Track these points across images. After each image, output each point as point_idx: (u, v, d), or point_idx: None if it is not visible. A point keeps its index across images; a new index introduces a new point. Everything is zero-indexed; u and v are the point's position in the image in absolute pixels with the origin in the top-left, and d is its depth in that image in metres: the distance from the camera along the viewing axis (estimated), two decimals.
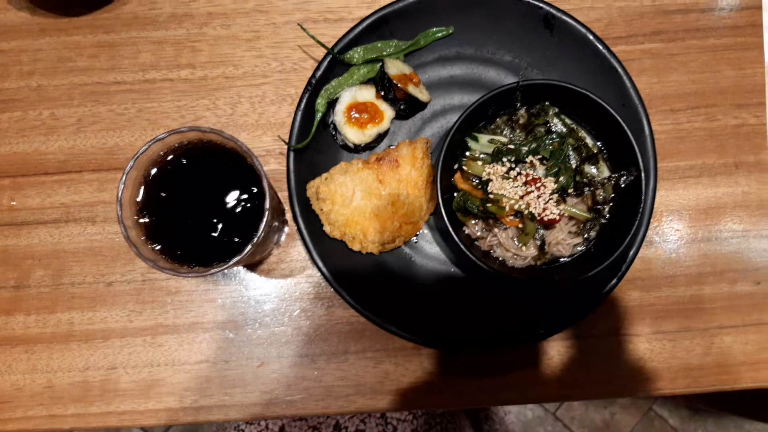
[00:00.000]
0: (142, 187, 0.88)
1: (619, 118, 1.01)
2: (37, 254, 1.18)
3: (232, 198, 0.90)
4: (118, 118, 1.21)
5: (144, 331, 1.16)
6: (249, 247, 0.82)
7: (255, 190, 0.87)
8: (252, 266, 1.17)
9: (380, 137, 1.15)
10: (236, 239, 0.89)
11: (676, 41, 1.21)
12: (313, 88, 1.13)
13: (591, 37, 1.12)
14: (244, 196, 0.89)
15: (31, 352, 1.16)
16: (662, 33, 1.21)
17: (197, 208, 0.90)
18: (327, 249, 1.10)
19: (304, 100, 1.12)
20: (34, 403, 1.15)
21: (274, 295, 1.17)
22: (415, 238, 1.14)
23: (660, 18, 1.22)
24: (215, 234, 0.89)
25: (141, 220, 0.87)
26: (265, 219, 0.82)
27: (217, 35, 1.23)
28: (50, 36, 1.23)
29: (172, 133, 0.83)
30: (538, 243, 1.07)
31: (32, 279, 1.17)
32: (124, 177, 0.83)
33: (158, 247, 0.87)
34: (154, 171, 0.88)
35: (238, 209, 0.90)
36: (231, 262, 0.82)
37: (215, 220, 0.90)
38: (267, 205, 0.83)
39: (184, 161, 0.88)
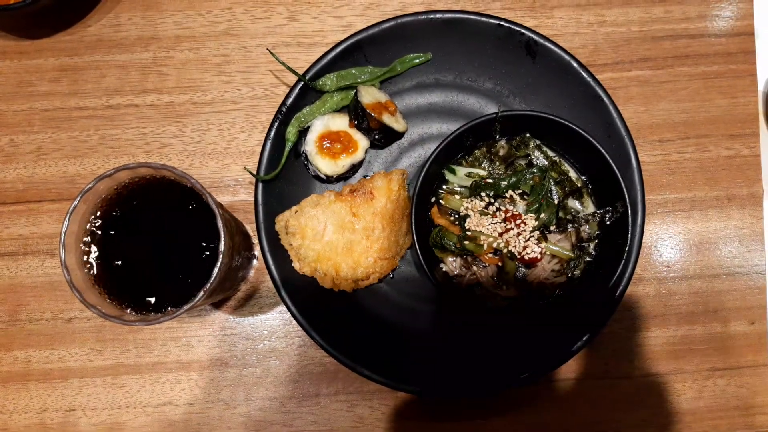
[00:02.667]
0: (90, 226, 0.82)
1: (604, 152, 0.96)
2: None
3: (187, 237, 0.84)
4: (80, 145, 1.15)
5: (104, 370, 1.10)
6: (201, 293, 0.76)
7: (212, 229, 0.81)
8: (219, 303, 1.10)
9: (354, 168, 1.10)
10: (192, 281, 0.83)
11: (665, 68, 1.16)
12: (284, 116, 1.08)
13: (575, 64, 1.07)
14: (201, 235, 0.82)
15: None
16: (650, 60, 1.16)
17: (151, 249, 0.85)
18: (297, 286, 1.04)
19: (274, 129, 1.07)
20: None
21: (242, 333, 1.10)
22: (391, 274, 1.08)
23: (648, 44, 1.17)
24: (170, 276, 0.83)
25: (89, 261, 0.81)
26: (218, 264, 0.76)
27: (185, 59, 1.17)
28: (11, 59, 1.18)
29: (120, 169, 0.77)
30: (520, 282, 1.01)
31: None
32: (68, 216, 0.77)
33: (107, 289, 0.81)
34: (103, 208, 0.82)
35: (195, 249, 0.84)
36: (182, 310, 0.76)
37: (170, 261, 0.84)
38: (221, 247, 0.77)
39: (137, 199, 0.82)
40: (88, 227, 0.82)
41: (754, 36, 1.16)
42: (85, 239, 0.82)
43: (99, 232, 0.82)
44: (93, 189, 0.78)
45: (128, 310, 0.80)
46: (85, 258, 0.81)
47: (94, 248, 0.82)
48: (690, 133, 1.14)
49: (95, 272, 0.81)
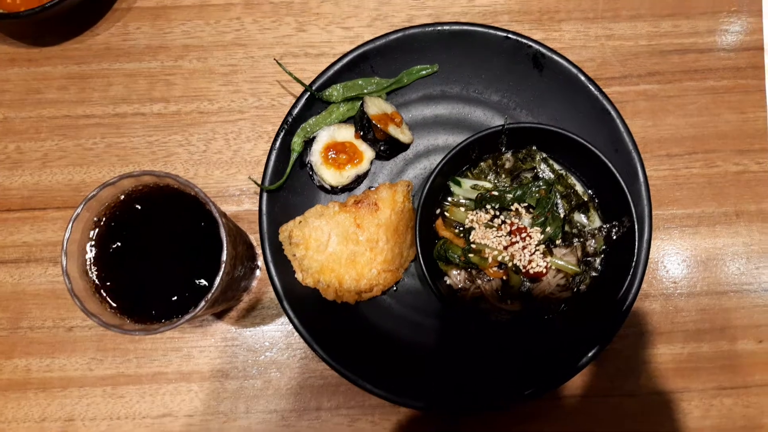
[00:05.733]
0: (94, 234, 0.81)
1: (611, 166, 0.95)
2: None
3: (190, 246, 0.83)
4: (86, 153, 1.15)
5: (104, 380, 1.09)
6: (202, 303, 0.75)
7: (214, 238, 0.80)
8: (220, 313, 1.10)
9: (359, 179, 1.09)
10: (194, 290, 0.82)
11: (673, 83, 1.16)
12: (290, 126, 1.07)
13: (582, 77, 1.06)
14: (204, 244, 0.82)
15: None
16: (658, 74, 1.16)
17: (153, 258, 0.84)
18: (300, 297, 1.03)
19: (279, 139, 1.07)
20: None
21: (243, 344, 1.09)
22: (394, 286, 1.07)
23: (656, 58, 1.16)
24: (172, 285, 0.82)
25: (91, 270, 0.81)
26: (220, 274, 0.76)
27: (193, 68, 1.18)
28: (19, 66, 1.18)
29: (124, 177, 0.77)
30: (524, 296, 1.00)
31: None
32: (71, 223, 0.77)
33: (109, 298, 0.80)
34: (106, 217, 0.82)
35: (198, 258, 0.83)
36: (182, 320, 0.75)
37: (172, 270, 0.83)
38: (224, 257, 0.76)
39: (140, 207, 0.82)
40: (91, 235, 0.81)
41: (763, 51, 1.16)
42: (87, 247, 0.81)
43: (102, 240, 0.81)
44: (97, 197, 0.78)
45: (129, 320, 0.79)
46: (87, 266, 0.81)
47: (96, 256, 0.81)
48: (698, 148, 1.13)
49: (97, 280, 0.81)
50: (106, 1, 1.20)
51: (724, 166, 1.13)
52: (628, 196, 0.94)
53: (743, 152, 1.13)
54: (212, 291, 0.76)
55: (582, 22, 1.18)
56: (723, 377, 1.08)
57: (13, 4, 1.09)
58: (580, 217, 1.01)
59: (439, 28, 1.09)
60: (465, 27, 1.09)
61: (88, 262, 0.81)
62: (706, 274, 1.11)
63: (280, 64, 1.10)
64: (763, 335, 1.09)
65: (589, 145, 0.96)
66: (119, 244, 0.82)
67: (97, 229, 0.82)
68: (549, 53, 1.07)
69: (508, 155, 1.03)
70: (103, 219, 0.82)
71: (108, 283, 0.81)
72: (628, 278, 0.94)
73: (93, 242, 0.81)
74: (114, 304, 0.80)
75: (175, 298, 0.82)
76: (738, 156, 1.13)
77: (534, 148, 1.02)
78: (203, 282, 0.81)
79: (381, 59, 1.09)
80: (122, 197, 0.82)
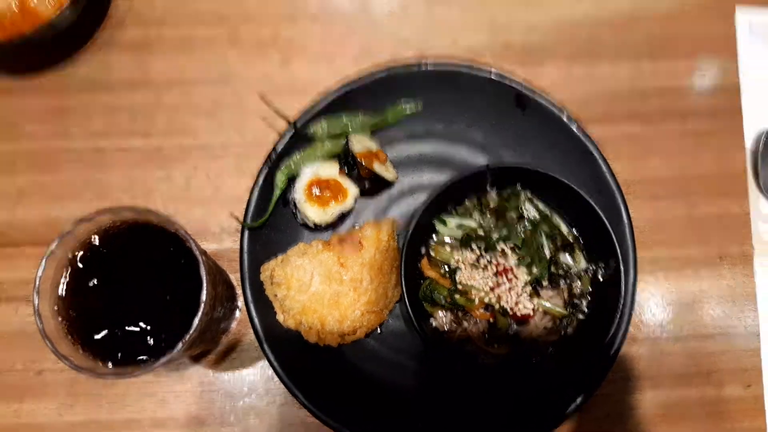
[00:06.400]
0: (68, 272, 0.78)
1: (595, 207, 0.95)
2: None
3: (169, 285, 0.81)
4: (63, 188, 1.12)
5: (74, 427, 1.04)
6: (179, 345, 0.72)
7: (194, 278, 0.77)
8: (198, 356, 1.06)
9: (343, 216, 1.08)
10: (171, 332, 0.79)
11: (654, 124, 1.17)
12: (273, 162, 1.06)
13: (564, 118, 1.07)
14: (183, 284, 0.79)
15: None
16: (640, 115, 1.17)
17: (129, 297, 0.81)
18: (281, 340, 1.00)
19: (263, 176, 1.05)
20: None
21: (221, 389, 1.05)
22: (378, 328, 1.04)
23: (637, 100, 1.17)
24: (149, 325, 0.79)
25: (64, 310, 0.77)
26: (198, 315, 0.73)
27: (176, 103, 1.16)
28: None
29: (102, 212, 0.75)
30: (512, 339, 0.98)
31: None
32: (44, 261, 0.74)
33: (81, 340, 0.77)
34: (82, 254, 0.79)
35: (176, 298, 0.80)
36: (158, 363, 0.72)
37: (149, 310, 0.80)
38: (203, 298, 0.74)
39: (118, 244, 0.79)
40: (65, 273, 0.78)
41: (739, 93, 1.18)
42: (61, 286, 0.78)
43: (77, 278, 0.78)
44: (72, 233, 0.75)
45: (102, 363, 0.76)
46: (60, 306, 0.77)
47: (70, 296, 0.78)
48: (680, 191, 1.14)
49: (70, 321, 0.77)
50: (87, 32, 1.18)
51: (706, 209, 1.13)
52: (614, 237, 0.94)
53: (724, 194, 1.14)
54: (190, 332, 0.73)
55: (564, 61, 1.19)
56: (710, 425, 1.06)
57: None
58: (565, 258, 1.00)
59: (423, 68, 1.09)
60: (449, 68, 1.10)
61: (61, 302, 0.77)
62: (691, 318, 1.10)
63: (264, 100, 1.09)
64: (750, 380, 1.08)
65: (574, 186, 0.96)
66: (94, 282, 0.79)
67: (71, 267, 0.79)
68: (531, 94, 1.08)
69: (493, 194, 1.02)
70: (79, 256, 0.79)
71: (81, 324, 0.77)
72: (616, 321, 0.93)
73: (67, 281, 0.78)
74: (86, 346, 0.77)
75: (152, 339, 0.79)
76: (719, 198, 1.14)
77: (518, 187, 1.01)
78: (181, 323, 0.78)
79: (365, 97, 1.09)
80: (99, 234, 0.79)
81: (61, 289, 0.77)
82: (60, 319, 0.76)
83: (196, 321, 0.73)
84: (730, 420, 1.06)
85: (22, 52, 1.09)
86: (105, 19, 1.19)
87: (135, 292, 0.81)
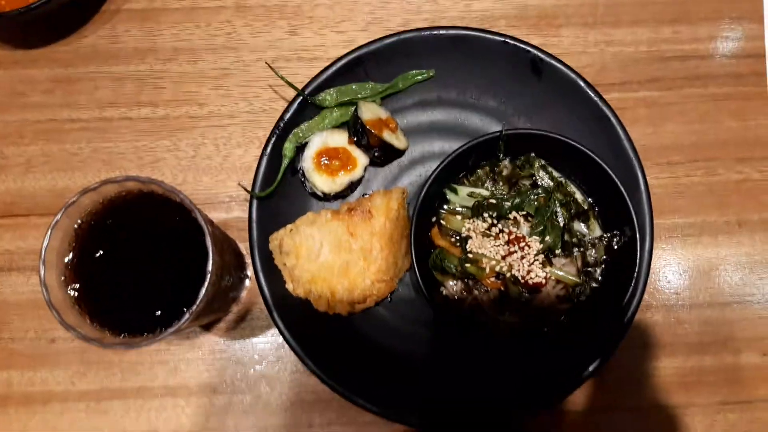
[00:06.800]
0: (74, 242, 0.78)
1: (611, 173, 0.92)
2: None
3: (175, 255, 0.80)
4: (71, 158, 1.12)
5: (88, 395, 1.05)
6: (186, 315, 0.72)
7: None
8: (208, 324, 1.06)
9: (352, 186, 1.06)
10: (179, 301, 0.78)
11: (674, 89, 1.13)
12: (281, 131, 1.04)
13: (581, 83, 1.04)
14: (190, 253, 0.78)
15: None
16: (658, 80, 1.13)
17: (136, 267, 0.80)
18: (290, 308, 1.00)
19: (271, 144, 1.04)
20: None
21: (232, 357, 1.06)
22: (388, 297, 1.03)
23: (656, 64, 1.14)
24: (156, 295, 0.79)
25: (71, 280, 0.77)
26: (205, 285, 0.72)
27: (183, 72, 1.15)
28: (4, 68, 1.15)
29: (106, 182, 0.74)
30: (523, 308, 0.97)
31: None
32: (49, 231, 0.73)
33: (89, 309, 0.77)
34: (87, 224, 0.79)
35: (183, 268, 0.79)
36: (166, 333, 0.72)
37: (157, 280, 0.79)
38: (209, 267, 0.73)
39: (123, 214, 0.79)
40: (71, 243, 0.78)
41: (765, 58, 1.14)
42: (67, 256, 0.78)
43: (83, 248, 0.78)
44: (77, 203, 0.74)
45: (110, 332, 0.75)
46: (66, 276, 0.77)
47: (77, 266, 0.78)
48: (699, 156, 1.11)
49: (77, 291, 0.77)
50: (93, 3, 1.17)
51: (725, 175, 1.10)
52: (630, 205, 0.92)
53: (745, 160, 1.11)
54: (197, 302, 0.72)
55: (581, 27, 1.15)
56: (727, 391, 1.05)
57: None
58: (579, 226, 0.98)
59: (435, 32, 1.06)
60: (462, 32, 1.06)
61: (67, 272, 0.77)
62: (708, 285, 1.08)
63: (272, 68, 1.07)
64: (767, 348, 1.06)
65: (590, 153, 0.93)
66: (101, 252, 0.78)
67: (77, 237, 0.78)
68: (548, 58, 1.05)
69: (506, 162, 1.00)
70: (84, 227, 0.78)
71: (88, 294, 0.77)
72: (630, 289, 0.91)
73: (73, 251, 0.78)
74: (94, 316, 0.77)
75: (159, 309, 0.78)
76: (739, 164, 1.11)
77: (532, 155, 0.99)
78: (189, 292, 0.78)
79: (376, 64, 1.07)
80: (104, 204, 0.78)
81: (68, 260, 0.77)
82: (67, 289, 0.76)
83: (203, 291, 0.72)
84: (746, 388, 1.05)
85: (29, 23, 1.08)
86: None
87: (142, 262, 0.80)
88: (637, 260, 0.91)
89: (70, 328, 0.71)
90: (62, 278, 0.77)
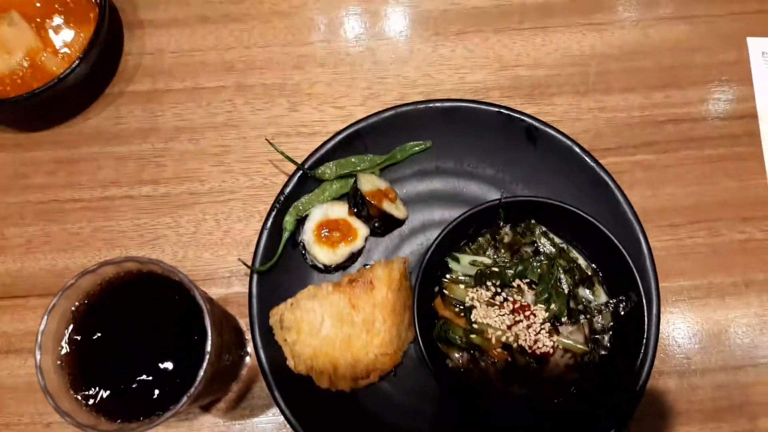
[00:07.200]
0: (72, 325, 0.77)
1: (614, 239, 0.92)
2: None
3: (174, 336, 0.79)
4: (71, 238, 1.12)
5: None
6: (184, 399, 0.70)
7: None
8: (208, 405, 1.03)
9: (353, 257, 1.06)
10: (179, 383, 0.76)
11: (669, 152, 1.14)
12: (282, 205, 1.05)
13: (577, 149, 1.05)
14: (189, 333, 0.77)
15: None
16: (654, 144, 1.15)
17: (134, 349, 0.79)
18: (292, 386, 0.97)
19: (271, 218, 1.04)
20: None
21: None
22: (393, 371, 1.00)
23: (650, 128, 1.15)
24: (154, 378, 0.77)
25: (67, 365, 0.75)
26: (204, 366, 0.71)
27: (184, 150, 1.16)
28: (7, 151, 1.17)
29: (105, 264, 0.73)
30: (532, 379, 0.94)
31: None
32: (46, 315, 0.72)
33: (85, 394, 0.75)
34: (85, 306, 0.78)
35: (182, 348, 0.78)
36: (162, 418, 0.69)
37: (154, 362, 0.78)
38: (208, 348, 0.71)
39: (122, 295, 0.78)
40: (68, 326, 0.77)
41: (757, 118, 1.15)
42: (64, 339, 0.76)
43: (80, 331, 0.77)
44: (75, 285, 0.74)
45: (105, 418, 0.73)
46: (63, 360, 0.75)
47: (74, 349, 0.76)
48: (700, 217, 1.11)
49: (72, 375, 0.75)
50: (97, 86, 1.20)
51: (728, 235, 1.10)
52: (634, 269, 0.91)
53: (746, 220, 1.11)
54: (195, 385, 0.70)
55: (573, 95, 1.18)
56: None
57: (2, 90, 1.09)
58: (584, 293, 0.97)
59: (431, 104, 1.09)
60: (457, 103, 1.09)
61: (64, 356, 0.75)
62: (719, 348, 1.05)
63: (271, 144, 1.09)
64: None
65: (591, 218, 0.93)
66: (98, 335, 0.77)
67: (75, 320, 0.77)
68: (542, 126, 1.06)
69: (507, 230, 1.00)
70: (82, 309, 0.77)
71: (85, 378, 0.75)
72: (641, 355, 0.89)
73: (70, 334, 0.76)
74: (90, 401, 0.74)
75: (157, 391, 0.76)
76: (742, 224, 1.10)
77: (533, 221, 0.99)
78: (188, 374, 0.76)
79: (374, 137, 1.08)
80: (103, 285, 0.78)
81: (65, 343, 0.76)
82: (63, 373, 0.74)
83: (201, 372, 0.71)
84: None
85: (34, 107, 1.11)
86: (116, 74, 1.21)
87: (140, 344, 0.79)
88: (645, 325, 0.89)
89: (65, 414, 0.69)
90: (58, 363, 0.75)
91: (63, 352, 0.75)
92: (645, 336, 0.89)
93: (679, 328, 1.06)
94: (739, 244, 1.10)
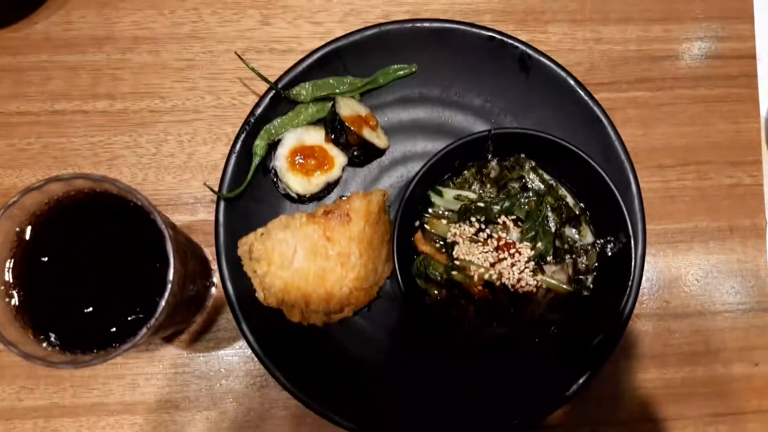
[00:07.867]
0: (16, 248, 0.69)
1: (606, 177, 0.87)
2: None
3: (132, 263, 0.72)
4: (18, 153, 1.02)
5: (36, 411, 0.96)
6: (143, 330, 0.64)
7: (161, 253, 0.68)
8: (170, 336, 0.97)
9: (329, 187, 0.99)
10: (136, 314, 0.70)
11: (664, 90, 1.09)
12: (252, 127, 0.97)
13: (572, 82, 0.99)
14: (149, 261, 0.70)
15: None
16: (649, 80, 1.09)
17: (87, 276, 0.72)
18: (261, 319, 0.92)
19: (240, 141, 0.96)
20: None
21: (196, 371, 0.98)
22: (367, 306, 0.96)
23: (646, 64, 1.09)
24: (110, 308, 0.70)
25: (11, 290, 0.68)
26: (165, 296, 0.64)
27: (143, 62, 1.06)
28: None
29: (51, 180, 0.65)
30: (512, 318, 0.91)
31: None
32: None
33: (32, 324, 0.68)
34: (31, 228, 0.70)
35: (141, 276, 0.71)
36: (119, 350, 0.63)
37: (110, 291, 0.71)
38: (170, 276, 0.65)
39: (72, 216, 0.70)
40: (12, 248, 0.69)
41: (755, 59, 1.10)
42: (8, 264, 0.69)
43: (26, 255, 0.69)
44: (18, 203, 0.65)
45: (57, 349, 0.67)
46: (6, 285, 0.68)
47: (18, 274, 0.69)
48: (690, 159, 1.07)
49: (18, 302, 0.68)
50: None
51: (717, 179, 1.07)
52: (625, 210, 0.87)
53: (736, 164, 1.07)
54: (155, 316, 0.64)
55: (569, 24, 1.10)
56: (718, 403, 1.01)
57: None
58: (571, 232, 0.93)
59: (418, 24, 1.00)
60: (446, 25, 1.00)
61: (7, 282, 0.68)
62: (699, 293, 1.04)
63: (242, 59, 0.99)
64: (759, 358, 1.02)
65: (584, 155, 0.88)
66: (46, 259, 0.69)
67: (19, 242, 0.69)
68: (536, 55, 0.99)
69: (494, 163, 0.94)
70: (28, 231, 0.69)
71: (32, 305, 0.68)
72: (624, 299, 0.86)
73: (14, 257, 0.69)
74: (39, 330, 0.68)
75: (113, 322, 0.70)
76: (731, 168, 1.07)
77: (522, 156, 0.93)
78: (148, 303, 0.69)
79: (354, 57, 1.00)
80: (51, 205, 0.69)
81: (8, 268, 0.68)
82: (7, 300, 0.67)
83: (163, 303, 0.64)
84: (738, 400, 1.01)
85: None
86: None
87: (95, 272, 0.72)
88: (632, 270, 0.86)
89: (9, 344, 0.62)
90: (1, 288, 0.67)
91: (6, 277, 0.68)
92: (631, 278, 0.86)
93: (660, 271, 1.04)
94: (727, 188, 1.07)
